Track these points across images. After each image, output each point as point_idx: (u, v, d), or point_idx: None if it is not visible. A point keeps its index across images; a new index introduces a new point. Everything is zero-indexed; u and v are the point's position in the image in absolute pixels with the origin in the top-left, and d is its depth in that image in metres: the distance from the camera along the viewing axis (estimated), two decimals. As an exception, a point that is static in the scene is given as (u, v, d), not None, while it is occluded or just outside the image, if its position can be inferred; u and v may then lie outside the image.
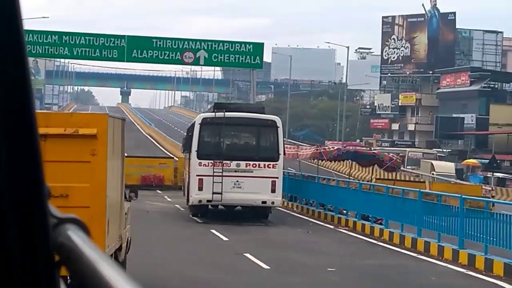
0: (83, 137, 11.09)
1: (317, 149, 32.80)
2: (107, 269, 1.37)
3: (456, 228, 20.46)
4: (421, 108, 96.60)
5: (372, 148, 45.08)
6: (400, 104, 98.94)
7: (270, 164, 26.79)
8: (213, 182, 26.39)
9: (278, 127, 27.01)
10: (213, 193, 26.45)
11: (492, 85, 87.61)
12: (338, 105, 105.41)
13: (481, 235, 19.11)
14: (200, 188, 26.68)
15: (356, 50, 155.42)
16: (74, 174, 11.13)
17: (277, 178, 26.94)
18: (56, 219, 1.58)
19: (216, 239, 22.49)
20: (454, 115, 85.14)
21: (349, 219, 27.45)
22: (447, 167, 52.82)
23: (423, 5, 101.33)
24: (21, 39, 1.43)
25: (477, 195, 36.73)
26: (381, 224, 25.47)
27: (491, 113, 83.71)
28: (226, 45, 41.80)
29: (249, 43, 42.07)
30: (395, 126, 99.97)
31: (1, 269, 1.40)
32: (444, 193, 26.04)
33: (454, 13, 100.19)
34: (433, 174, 48.74)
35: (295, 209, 33.32)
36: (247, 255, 18.91)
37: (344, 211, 28.43)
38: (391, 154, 33.74)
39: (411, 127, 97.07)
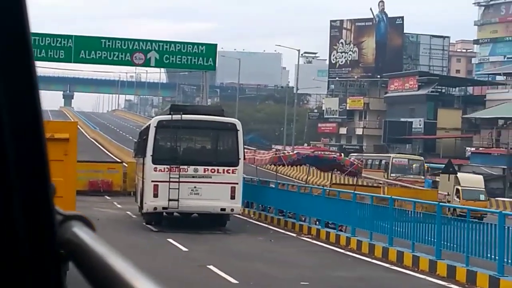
0: (58, 140, 12.94)
1: (276, 154, 31.60)
2: (118, 262, 1.39)
3: (431, 236, 19.38)
4: (369, 112, 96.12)
5: (341, 155, 44.19)
6: (348, 108, 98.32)
7: (229, 169, 25.55)
8: (169, 188, 25.06)
9: (238, 130, 25.79)
10: (169, 200, 25.13)
11: (440, 90, 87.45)
12: (286, 109, 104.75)
13: (461, 246, 17.92)
14: (156, 195, 25.33)
15: (302, 54, 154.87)
16: (51, 170, 12.83)
17: (237, 184, 25.71)
18: (62, 216, 1.62)
19: (175, 250, 21.18)
20: (402, 120, 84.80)
21: (311, 227, 26.29)
22: (475, 180, 45.38)
23: (371, 9, 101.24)
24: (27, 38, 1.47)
25: (433, 199, 36.16)
26: (341, 231, 24.55)
27: (439, 118, 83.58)
28: (178, 46, 40.38)
29: (202, 44, 40.74)
30: (343, 131, 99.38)
31: (11, 265, 1.45)
32: (420, 200, 24.87)
33: (402, 17, 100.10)
34: (457, 188, 43.90)
35: (252, 215, 32.09)
36: (211, 267, 17.64)
37: (304, 218, 27.36)
38: (352, 158, 32.66)
39: (359, 131, 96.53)
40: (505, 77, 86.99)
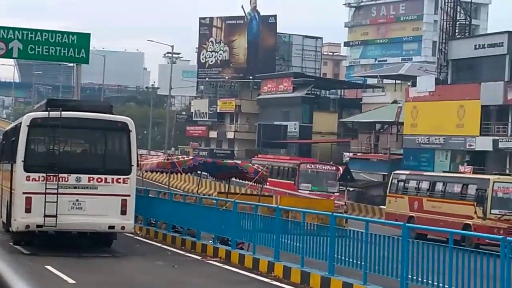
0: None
1: (168, 159, 27.00)
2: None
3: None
4: (241, 115, 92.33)
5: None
6: (218, 110, 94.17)
7: (120, 179, 20.85)
8: (46, 201, 20.20)
9: (131, 131, 21.12)
10: (45, 216, 20.24)
11: (316, 92, 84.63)
12: (151, 112, 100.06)
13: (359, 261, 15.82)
14: (28, 210, 20.38)
15: (164, 54, 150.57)
16: None
17: (129, 196, 21.04)
18: None
19: (57, 282, 16.36)
20: (276, 123, 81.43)
21: (219, 247, 21.94)
22: None
23: (242, 6, 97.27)
24: None
25: (329, 209, 32.99)
26: (241, 248, 21.35)
27: (315, 121, 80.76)
28: (45, 35, 35.17)
29: (73, 34, 35.68)
30: (213, 134, 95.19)
31: None
32: (311, 211, 22.37)
33: (275, 16, 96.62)
34: None
35: (138, 232, 27.35)
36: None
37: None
38: (256, 165, 28.52)
39: (230, 135, 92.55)
40: (380, 80, 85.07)
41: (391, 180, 39.58)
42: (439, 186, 35.84)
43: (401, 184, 38.41)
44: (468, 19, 62.27)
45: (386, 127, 73.86)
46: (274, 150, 78.73)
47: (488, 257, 13.13)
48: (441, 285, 13.76)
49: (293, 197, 41.22)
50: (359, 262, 15.80)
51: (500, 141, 53.20)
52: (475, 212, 32.66)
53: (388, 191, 39.90)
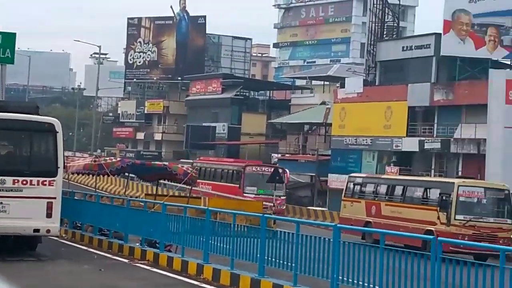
0: None
1: (95, 161, 26.53)
2: None
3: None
4: (169, 116, 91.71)
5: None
6: (146, 112, 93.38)
7: (45, 181, 20.37)
8: (-32, 204, 19.64)
9: (58, 132, 20.64)
10: (-33, 219, 19.67)
11: (245, 93, 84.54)
12: (77, 113, 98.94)
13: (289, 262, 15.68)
14: (-50, 213, 19.79)
15: (91, 55, 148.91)
16: None
17: (55, 198, 20.56)
18: None
19: (-20, 288, 15.83)
20: (205, 124, 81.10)
21: (147, 250, 21.60)
22: None
23: (171, 7, 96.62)
24: None
25: (258, 211, 32.99)
26: (169, 251, 21.14)
27: (243, 122, 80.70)
28: (-35, 34, 34.21)
29: (-4, 33, 34.80)
30: (140, 136, 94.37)
31: None
32: (241, 212, 21.98)
33: (204, 16, 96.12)
34: None
35: (64, 235, 26.80)
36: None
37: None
38: (186, 167, 28.24)
39: (158, 136, 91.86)
40: (309, 81, 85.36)
41: (347, 184, 37.83)
42: (399, 190, 34.24)
43: (358, 187, 36.82)
44: (396, 21, 62.91)
45: (315, 128, 74.19)
46: (202, 151, 78.51)
47: (419, 258, 13.03)
48: (371, 286, 13.66)
49: (222, 199, 40.95)
50: (289, 263, 15.64)
51: (426, 142, 53.82)
52: (438, 218, 31.25)
53: (343, 195, 37.95)
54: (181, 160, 71.58)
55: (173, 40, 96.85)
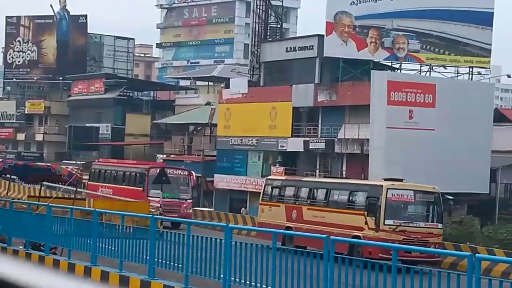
0: None
1: (-25, 162, 25.67)
2: None
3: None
4: (50, 117, 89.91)
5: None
6: (26, 112, 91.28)
7: None
8: None
9: None
10: None
11: (128, 94, 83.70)
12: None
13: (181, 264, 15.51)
14: None
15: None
16: None
17: None
18: None
19: None
20: (88, 125, 79.90)
21: (32, 253, 21.07)
22: None
23: (51, 5, 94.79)
24: None
25: (144, 212, 32.54)
26: (54, 253, 20.67)
27: (127, 123, 80.00)
28: None
29: None
30: (21, 136, 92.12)
31: None
32: (130, 213, 21.56)
33: (86, 16, 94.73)
34: None
35: None
36: None
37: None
38: (70, 168, 27.64)
39: (39, 137, 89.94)
40: (193, 81, 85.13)
41: (264, 187, 35.71)
42: (322, 193, 32.46)
43: (276, 190, 34.75)
44: (279, 22, 63.34)
45: (200, 128, 74.06)
46: (85, 152, 77.32)
47: (312, 257, 13.00)
48: (264, 286, 13.59)
49: (107, 200, 40.23)
50: (180, 264, 15.50)
51: (311, 142, 54.34)
52: (366, 223, 29.53)
53: (260, 198, 35.88)
54: (64, 161, 70.35)
55: (53, 39, 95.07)
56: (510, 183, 54.74)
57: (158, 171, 42.61)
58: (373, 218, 29.12)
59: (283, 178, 37.31)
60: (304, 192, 33.30)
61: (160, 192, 41.58)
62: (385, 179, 32.25)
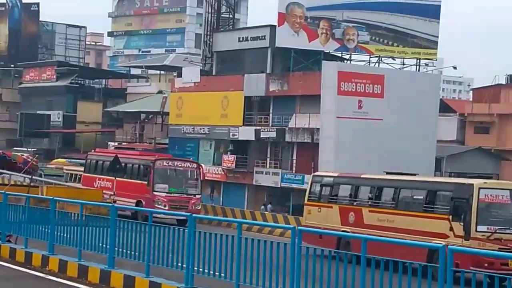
0: None
1: None
2: None
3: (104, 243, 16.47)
4: (2, 104, 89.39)
5: None
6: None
7: None
8: None
9: None
10: None
11: (80, 82, 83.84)
12: None
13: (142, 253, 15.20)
14: None
15: None
16: None
17: None
18: None
19: None
20: (39, 112, 79.93)
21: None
22: None
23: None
24: None
25: (98, 199, 32.92)
26: (9, 241, 20.13)
27: (79, 111, 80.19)
28: None
29: None
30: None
31: None
32: (89, 202, 23.53)
33: (38, 4, 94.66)
34: None
35: None
36: None
37: None
38: (26, 155, 28.01)
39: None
40: (145, 70, 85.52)
41: (310, 184, 30.34)
42: (389, 193, 27.16)
43: (327, 189, 29.47)
44: (232, 12, 64.05)
45: (151, 117, 74.56)
46: (37, 139, 77.41)
47: (278, 246, 12.70)
48: (228, 275, 13.41)
49: (61, 188, 39.96)
50: (141, 254, 15.15)
51: (262, 131, 55.17)
52: (451, 229, 24.29)
53: (306, 198, 30.31)
54: (15, 148, 70.36)
55: (5, 26, 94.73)
56: (454, 171, 56.24)
57: (165, 163, 39.57)
58: (461, 223, 23.91)
59: (336, 174, 30.93)
60: (364, 191, 28.10)
61: (166, 186, 38.49)
62: (471, 177, 28.26)
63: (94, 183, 40.45)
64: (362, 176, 29.23)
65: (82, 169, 47.34)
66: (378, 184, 27.68)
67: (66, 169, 54.03)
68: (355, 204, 27.81)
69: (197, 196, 39.84)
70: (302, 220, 30.09)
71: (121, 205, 29.63)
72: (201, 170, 40.66)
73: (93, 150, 48.12)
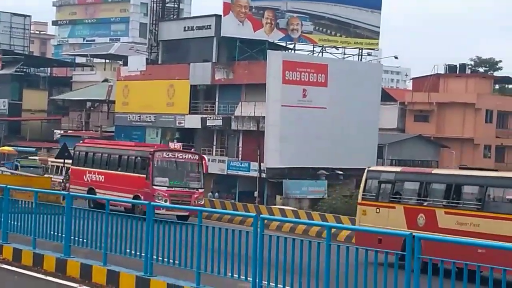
0: None
1: None
2: None
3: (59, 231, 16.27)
4: None
5: None
6: None
7: None
8: None
9: None
10: None
11: (25, 70, 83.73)
12: None
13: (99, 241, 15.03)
14: None
15: None
16: None
17: None
18: None
19: None
20: (-17, 101, 79.78)
21: None
22: None
23: None
24: None
25: (46, 187, 33.23)
26: None
27: (24, 99, 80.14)
28: None
29: None
30: None
31: None
32: (43, 190, 22.23)
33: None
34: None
35: None
36: None
37: None
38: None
39: None
40: (90, 59, 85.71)
41: (365, 181, 25.31)
42: (472, 191, 22.67)
43: (387, 186, 24.57)
44: (177, 2, 64.64)
45: (97, 105, 74.92)
46: (-19, 128, 77.24)
47: (240, 234, 12.47)
48: (188, 264, 13.27)
49: (10, 176, 39.81)
50: (99, 243, 14.93)
51: (208, 119, 55.98)
52: None
53: (359, 196, 25.55)
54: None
55: None
56: (395, 158, 57.80)
57: (165, 155, 36.26)
58: None
59: (398, 169, 26.26)
60: (437, 189, 23.55)
61: (167, 180, 35.48)
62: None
63: (84, 177, 38.08)
64: (433, 171, 25.54)
65: (64, 161, 45.26)
66: (456, 181, 23.00)
67: (51, 162, 53.51)
68: (425, 204, 23.09)
69: (200, 190, 36.47)
70: (356, 222, 25.55)
71: (77, 194, 27.68)
72: (203, 162, 37.35)
73: (81, 141, 44.09)
